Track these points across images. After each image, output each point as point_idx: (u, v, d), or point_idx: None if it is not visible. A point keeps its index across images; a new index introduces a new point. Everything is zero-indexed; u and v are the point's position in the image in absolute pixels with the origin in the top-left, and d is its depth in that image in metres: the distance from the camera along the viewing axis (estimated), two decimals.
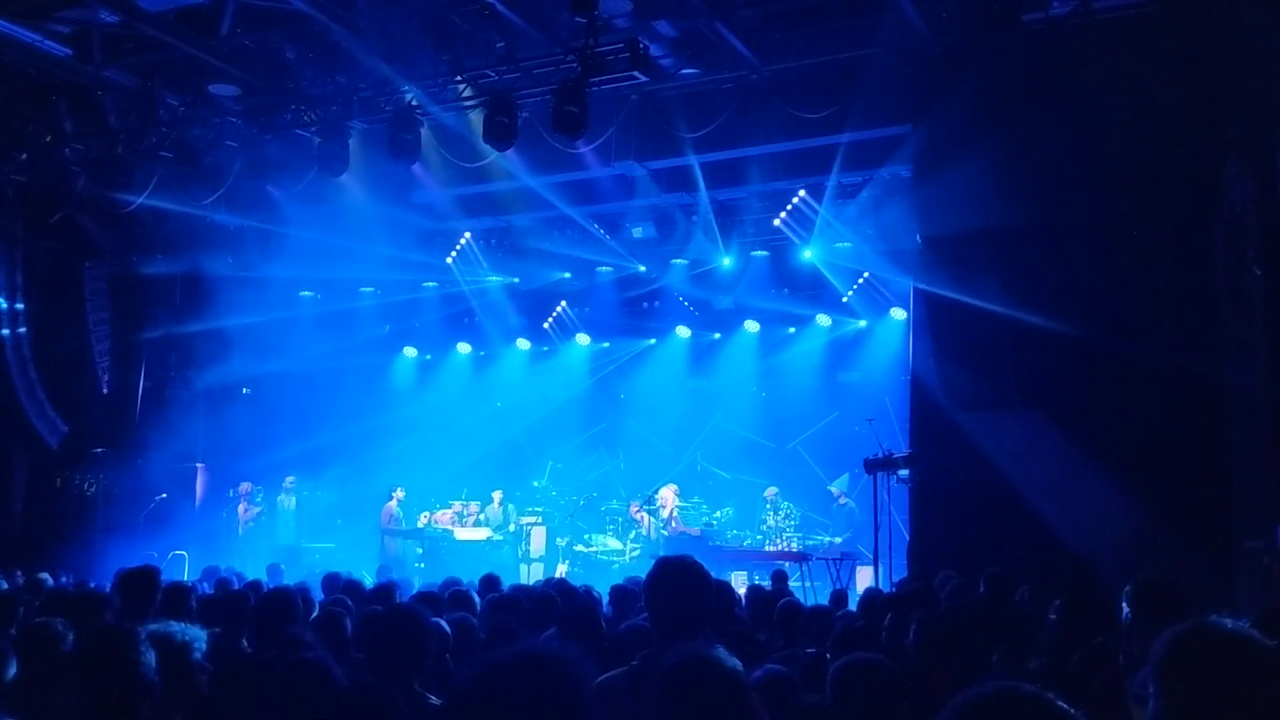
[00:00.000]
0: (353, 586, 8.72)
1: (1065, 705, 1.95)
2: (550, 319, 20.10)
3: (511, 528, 17.88)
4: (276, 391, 18.95)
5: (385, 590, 8.08)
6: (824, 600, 10.10)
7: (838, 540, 15.50)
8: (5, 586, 9.13)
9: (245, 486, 18.21)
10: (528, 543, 17.74)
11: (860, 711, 3.60)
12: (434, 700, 4.30)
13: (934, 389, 11.35)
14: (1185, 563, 8.60)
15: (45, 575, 10.67)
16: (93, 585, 9.74)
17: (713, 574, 3.92)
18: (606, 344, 20.32)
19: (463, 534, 17.52)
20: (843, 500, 16.16)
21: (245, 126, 14.18)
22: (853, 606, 8.47)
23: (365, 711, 3.13)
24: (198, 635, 3.52)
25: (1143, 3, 10.80)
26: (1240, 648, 2.52)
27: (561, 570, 16.39)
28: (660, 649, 3.57)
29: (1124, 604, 4.49)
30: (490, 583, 8.79)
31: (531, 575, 16.14)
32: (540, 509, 18.19)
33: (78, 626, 4.59)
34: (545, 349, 20.77)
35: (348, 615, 6.11)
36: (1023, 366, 10.69)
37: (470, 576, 9.58)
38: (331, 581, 9.40)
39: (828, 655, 4.85)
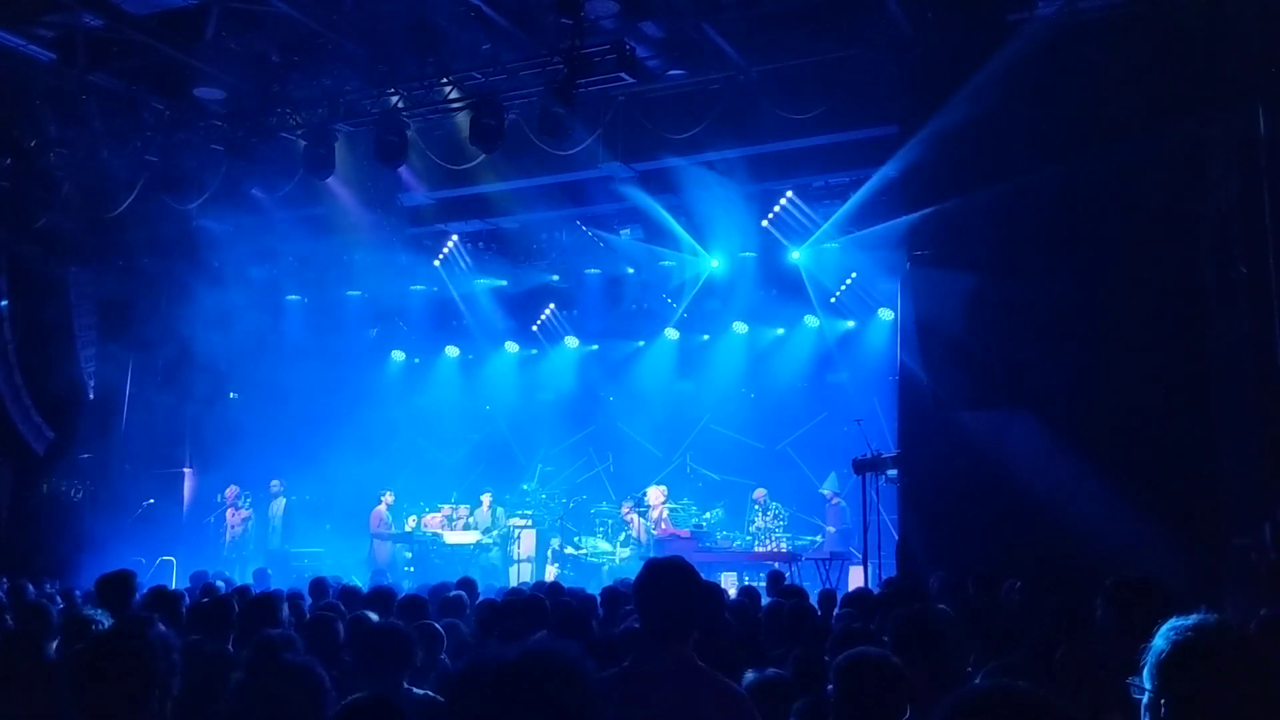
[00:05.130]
0: (348, 593, 8.70)
1: (1059, 705, 1.94)
2: (539, 321, 20.08)
3: (495, 533, 17.80)
4: (264, 396, 18.88)
5: (383, 594, 8.02)
6: (813, 601, 10.10)
7: (830, 529, 15.56)
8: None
9: (231, 491, 18.11)
10: (517, 545, 17.70)
11: (865, 706, 3.59)
12: (421, 692, 4.34)
13: (922, 389, 11.38)
14: (1173, 559, 8.64)
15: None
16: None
17: (702, 575, 3.92)
18: (595, 346, 20.31)
19: (452, 537, 17.47)
20: (835, 500, 16.17)
21: (230, 130, 14.13)
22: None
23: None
24: (168, 636, 3.52)
25: (1128, 2, 10.84)
26: (1240, 646, 2.52)
27: (551, 573, 16.37)
28: (651, 650, 3.56)
29: (1100, 602, 4.45)
30: (467, 585, 8.78)
31: (521, 578, 16.12)
32: (530, 512, 18.16)
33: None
34: (534, 352, 20.74)
35: (339, 619, 6.09)
36: (1010, 365, 10.72)
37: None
38: (318, 586, 9.35)
39: (826, 657, 4.84)
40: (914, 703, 3.76)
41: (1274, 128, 9.51)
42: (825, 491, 16.34)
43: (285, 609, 6.01)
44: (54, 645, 4.81)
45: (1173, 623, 2.64)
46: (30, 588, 10.05)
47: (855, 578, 13.93)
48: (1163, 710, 2.52)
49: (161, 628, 3.54)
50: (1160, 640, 2.59)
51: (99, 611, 4.69)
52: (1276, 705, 2.47)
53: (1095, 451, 9.99)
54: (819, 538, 16.06)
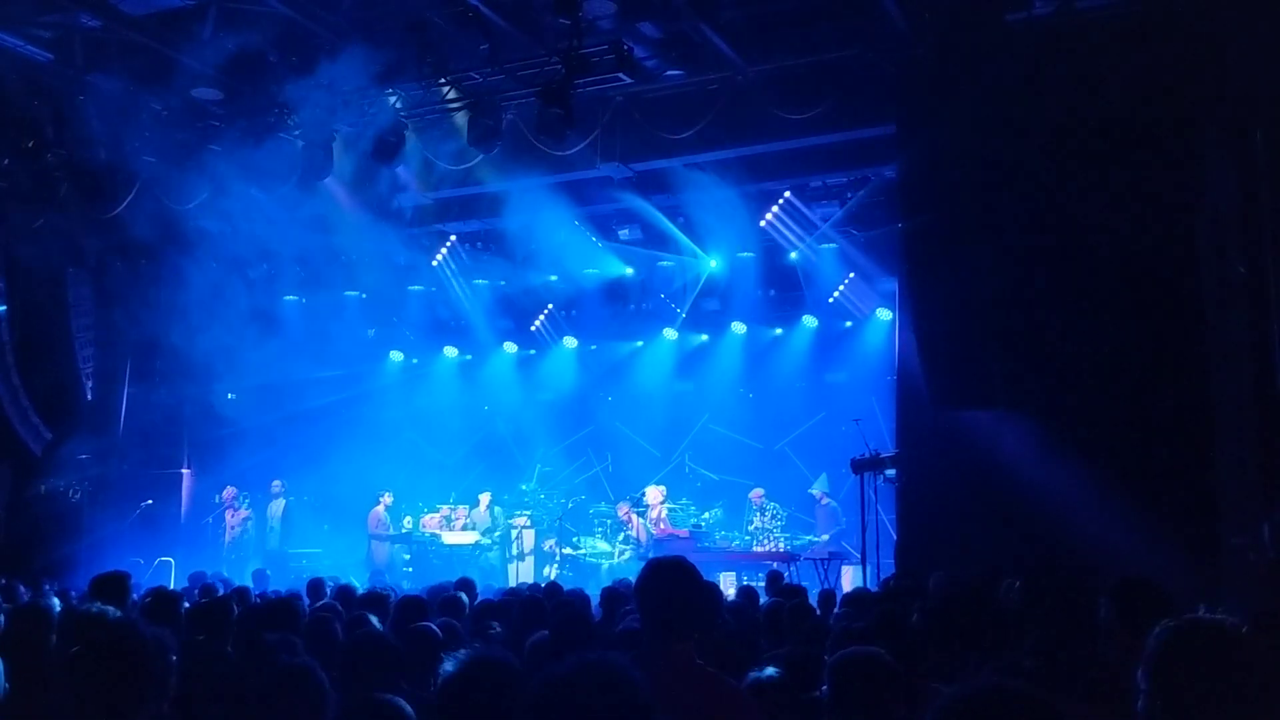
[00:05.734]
0: (345, 594, 8.68)
1: (1052, 702, 1.95)
2: (537, 322, 20.07)
3: (498, 533, 17.80)
4: (262, 396, 18.85)
5: (379, 596, 8.01)
6: (812, 601, 10.11)
7: (825, 538, 15.54)
8: None
9: (229, 492, 18.10)
10: (516, 546, 17.70)
11: (859, 705, 3.60)
12: (422, 695, 4.35)
13: (920, 388, 11.37)
14: (1171, 559, 8.65)
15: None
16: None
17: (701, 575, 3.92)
18: (594, 346, 20.30)
19: (450, 538, 17.46)
20: (825, 501, 16.17)
21: (228, 130, 14.11)
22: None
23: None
24: (165, 637, 3.52)
25: (1125, 1, 10.84)
26: (1232, 643, 2.54)
27: (550, 573, 16.37)
28: (651, 650, 3.56)
29: (1103, 602, 4.47)
30: (466, 586, 8.78)
31: (520, 578, 16.11)
32: (528, 512, 18.16)
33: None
34: (532, 352, 20.73)
35: (337, 620, 6.09)
36: (1008, 365, 10.71)
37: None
38: (315, 587, 9.34)
39: (825, 657, 4.84)
40: (911, 702, 3.77)
41: (1273, 127, 9.52)
42: (815, 491, 16.33)
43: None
44: (52, 645, 4.79)
45: (1167, 622, 2.65)
46: (22, 589, 10.00)
47: (849, 578, 13.94)
48: (1158, 708, 2.54)
49: (158, 629, 3.55)
50: (1154, 639, 2.60)
51: (109, 608, 4.67)
52: (1268, 703, 2.48)
53: (1094, 451, 9.99)
54: (814, 536, 16.05)
